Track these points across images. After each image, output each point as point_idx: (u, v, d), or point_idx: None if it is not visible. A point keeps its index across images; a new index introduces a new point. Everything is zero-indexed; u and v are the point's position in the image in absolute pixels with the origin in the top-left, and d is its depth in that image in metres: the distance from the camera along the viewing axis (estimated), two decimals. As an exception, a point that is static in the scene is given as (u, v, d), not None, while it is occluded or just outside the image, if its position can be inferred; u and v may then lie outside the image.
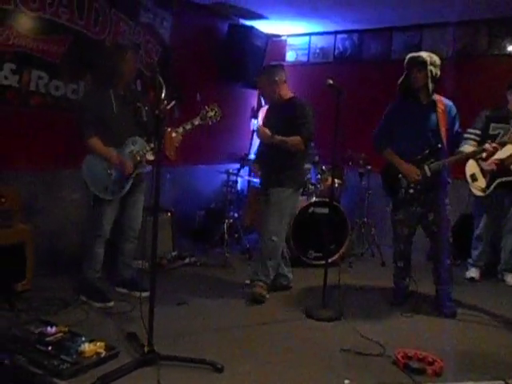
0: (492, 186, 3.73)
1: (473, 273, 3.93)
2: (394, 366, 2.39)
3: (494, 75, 4.60)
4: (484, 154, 3.36)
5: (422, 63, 2.97)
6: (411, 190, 3.08)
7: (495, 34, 4.61)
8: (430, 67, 2.96)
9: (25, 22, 3.25)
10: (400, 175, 3.12)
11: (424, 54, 3.02)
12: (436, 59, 3.02)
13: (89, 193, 2.94)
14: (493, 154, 3.32)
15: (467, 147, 3.60)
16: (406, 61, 3.07)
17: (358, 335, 2.72)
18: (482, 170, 3.77)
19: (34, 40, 3.31)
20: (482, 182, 3.78)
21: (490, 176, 3.73)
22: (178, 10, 4.43)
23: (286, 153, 3.15)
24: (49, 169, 3.53)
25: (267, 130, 3.16)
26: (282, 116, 3.23)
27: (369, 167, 4.47)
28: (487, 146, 3.14)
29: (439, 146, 3.00)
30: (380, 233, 4.66)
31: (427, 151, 3.03)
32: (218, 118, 2.91)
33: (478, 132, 3.77)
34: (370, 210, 4.61)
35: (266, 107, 3.57)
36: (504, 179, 3.68)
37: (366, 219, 4.57)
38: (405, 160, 3.09)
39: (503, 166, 3.63)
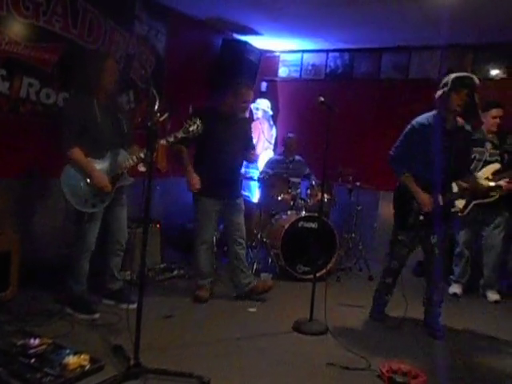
0: (469, 208, 3.83)
1: (455, 289, 4.00)
2: (379, 380, 2.41)
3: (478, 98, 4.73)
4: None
5: (474, 87, 2.83)
6: (421, 217, 3.00)
7: (479, 59, 4.77)
8: (474, 91, 2.85)
9: (17, 29, 3.23)
10: (414, 201, 3.01)
11: (476, 79, 2.86)
12: (477, 83, 2.85)
13: (70, 206, 2.85)
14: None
15: (480, 175, 3.58)
16: (456, 78, 2.84)
17: (345, 349, 2.73)
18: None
19: (26, 47, 3.30)
20: (460, 203, 3.86)
21: (467, 197, 3.81)
22: (172, 23, 4.48)
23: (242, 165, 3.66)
24: (37, 177, 3.49)
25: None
26: (244, 131, 3.51)
27: (358, 183, 4.53)
28: (503, 183, 3.28)
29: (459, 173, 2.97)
30: (367, 248, 4.71)
31: (444, 179, 2.95)
32: (200, 132, 2.91)
33: None
34: (358, 226, 4.66)
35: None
36: (480, 201, 3.79)
37: (354, 234, 4.61)
38: (420, 185, 2.98)
39: (480, 189, 3.72)
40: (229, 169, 3.38)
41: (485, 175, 3.71)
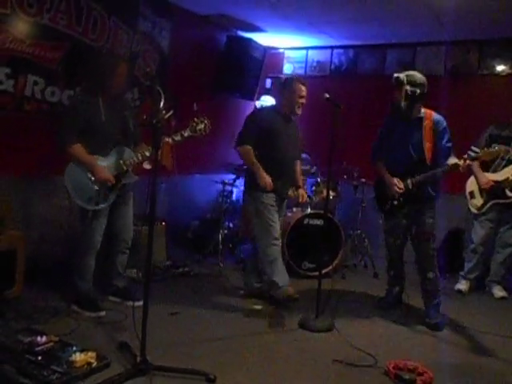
0: (487, 206, 3.81)
1: (462, 285, 3.98)
2: (385, 377, 2.40)
3: (484, 94, 4.70)
4: (461, 168, 3.08)
5: (398, 83, 3.03)
6: (395, 202, 3.19)
7: (485, 55, 4.73)
8: (407, 86, 2.99)
9: (21, 27, 3.22)
10: (387, 188, 3.20)
11: (402, 74, 3.06)
12: (416, 79, 3.02)
13: (75, 204, 2.85)
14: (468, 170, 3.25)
15: (451, 160, 3.56)
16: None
17: (351, 346, 2.72)
18: (480, 188, 3.83)
19: (30, 45, 3.29)
20: (478, 201, 3.87)
21: (486, 196, 3.81)
22: (177, 20, 4.46)
23: None
24: (41, 175, 3.49)
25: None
26: (296, 134, 3.44)
27: (363, 180, 4.51)
28: (460, 162, 2.96)
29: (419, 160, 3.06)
30: (373, 245, 4.68)
31: (410, 165, 3.10)
32: (208, 131, 2.90)
33: (478, 150, 3.77)
34: (364, 222, 4.63)
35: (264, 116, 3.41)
36: (498, 201, 3.76)
37: (359, 231, 4.59)
38: (391, 173, 3.18)
39: (499, 188, 3.71)
40: (285, 168, 3.34)
41: (505, 175, 3.67)
